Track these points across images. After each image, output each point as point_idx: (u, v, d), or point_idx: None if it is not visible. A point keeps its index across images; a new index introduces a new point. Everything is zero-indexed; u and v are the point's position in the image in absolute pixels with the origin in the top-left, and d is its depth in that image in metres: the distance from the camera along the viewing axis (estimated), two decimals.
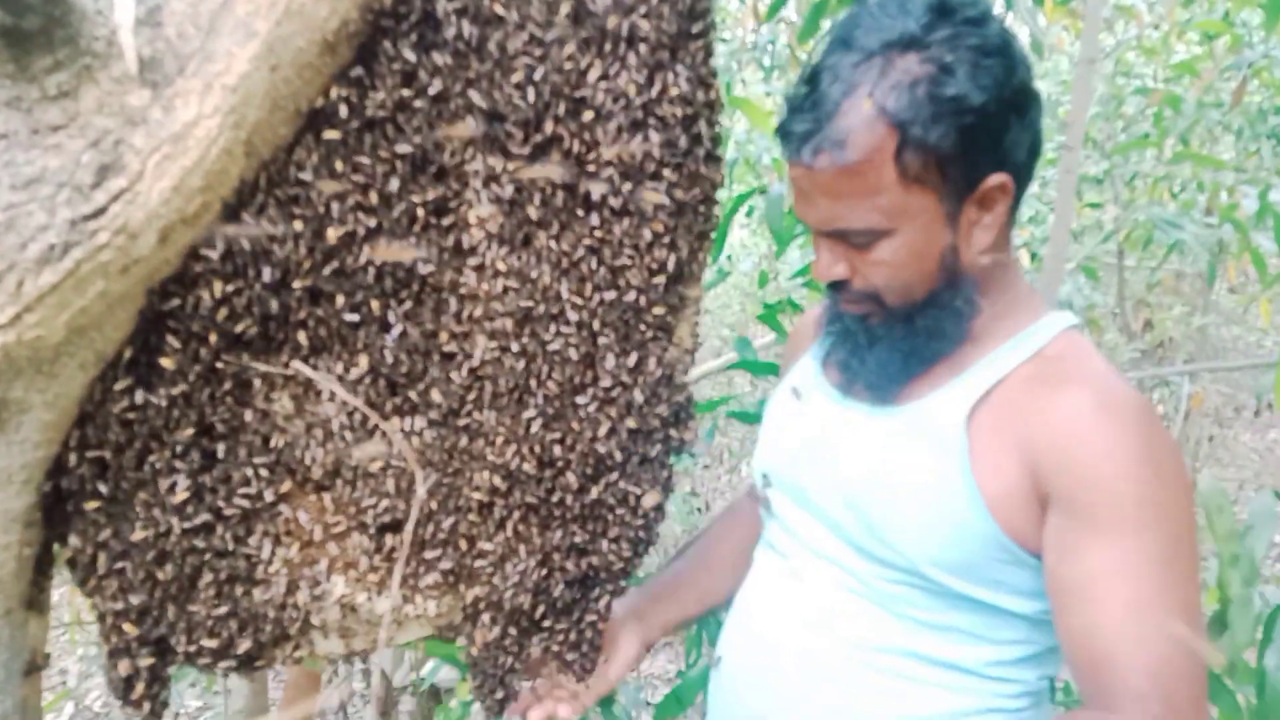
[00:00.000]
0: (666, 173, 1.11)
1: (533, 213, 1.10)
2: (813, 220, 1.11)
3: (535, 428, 1.15)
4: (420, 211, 1.07)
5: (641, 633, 1.36)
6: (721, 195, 1.25)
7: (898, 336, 1.14)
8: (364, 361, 1.10)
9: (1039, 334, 1.13)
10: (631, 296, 1.14)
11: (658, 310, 1.16)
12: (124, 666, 1.07)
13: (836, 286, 1.15)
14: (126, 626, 1.05)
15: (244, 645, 1.10)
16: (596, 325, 1.15)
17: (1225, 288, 4.99)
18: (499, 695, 1.24)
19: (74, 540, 1.03)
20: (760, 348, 2.41)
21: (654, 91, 1.09)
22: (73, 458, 1.01)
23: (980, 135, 1.03)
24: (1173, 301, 4.62)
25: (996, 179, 1.06)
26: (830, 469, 1.20)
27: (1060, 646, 1.05)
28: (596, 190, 1.10)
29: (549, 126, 1.08)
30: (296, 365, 1.02)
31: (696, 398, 1.26)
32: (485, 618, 1.18)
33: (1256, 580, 1.34)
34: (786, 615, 1.23)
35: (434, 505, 1.14)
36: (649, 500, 1.21)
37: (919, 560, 1.09)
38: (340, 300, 1.07)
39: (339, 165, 1.04)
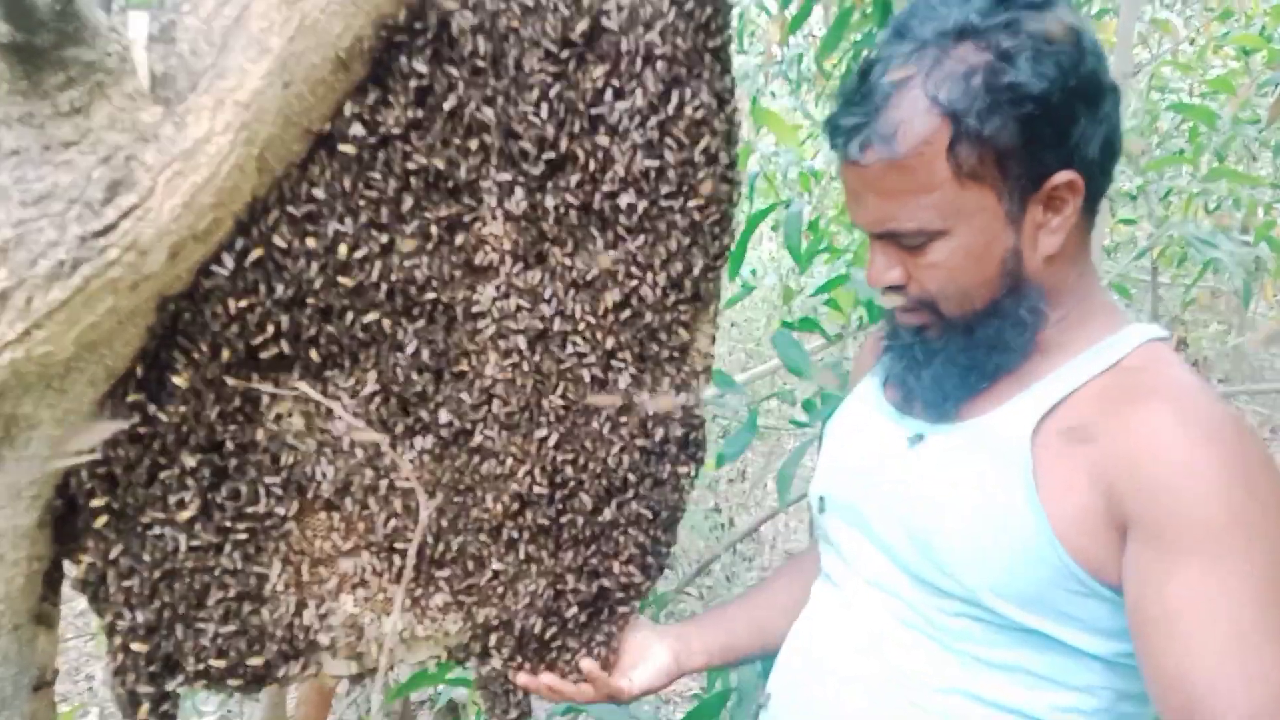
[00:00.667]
0: (682, 190, 1.10)
1: (546, 230, 1.09)
2: (863, 221, 1.04)
3: (547, 448, 1.13)
4: (434, 229, 1.06)
5: (678, 651, 1.28)
6: (744, 209, 1.23)
7: (956, 350, 1.06)
8: (374, 379, 1.09)
9: (1117, 346, 1.03)
10: (646, 314, 1.13)
11: (672, 328, 1.15)
12: (130, 684, 1.06)
13: (892, 293, 1.08)
14: (134, 644, 1.05)
15: (252, 664, 1.09)
16: (610, 344, 1.14)
17: (1263, 306, 4.91)
18: (512, 715, 1.23)
19: (83, 556, 1.03)
20: (779, 366, 2.38)
21: (670, 109, 1.07)
22: (83, 473, 1.00)
23: (1043, 127, 0.96)
24: (1208, 320, 4.55)
25: (1064, 176, 0.98)
26: (887, 492, 1.11)
27: (1148, 691, 0.94)
28: (610, 208, 1.09)
29: (564, 144, 1.07)
30: (301, 386, 1.02)
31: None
32: (495, 638, 1.17)
33: None
34: (837, 646, 1.14)
35: (444, 525, 1.13)
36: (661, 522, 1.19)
37: (978, 589, 1.00)
38: (351, 317, 1.06)
39: (352, 182, 1.03)
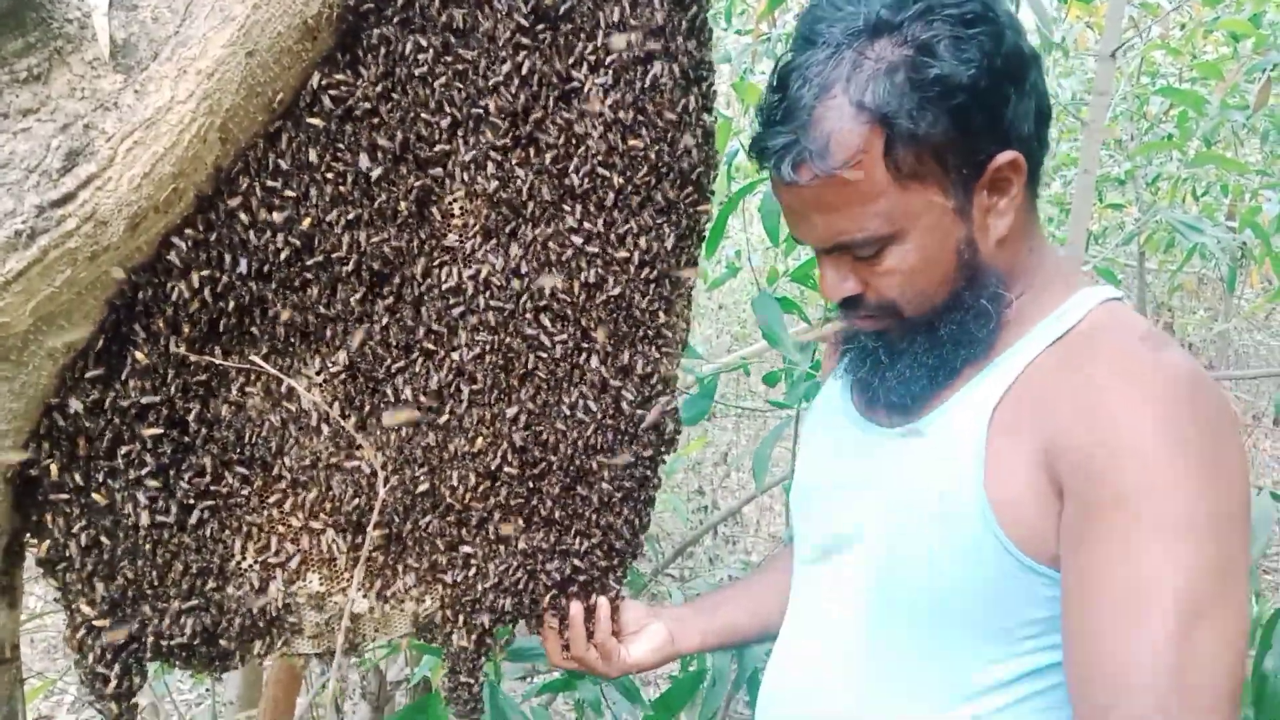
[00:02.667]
0: (657, 166, 1.09)
1: (518, 206, 1.08)
2: (810, 239, 1.01)
3: (517, 427, 1.12)
4: (402, 204, 1.05)
5: (674, 630, 1.27)
6: (726, 189, 1.21)
7: (922, 349, 1.03)
8: (342, 357, 1.07)
9: (1068, 315, 1.00)
10: (618, 291, 1.11)
11: (645, 306, 1.13)
12: (93, 661, 1.05)
13: (849, 304, 1.04)
14: (96, 620, 1.04)
15: (215, 642, 1.08)
16: (583, 321, 1.12)
17: (1249, 293, 4.92)
18: (466, 703, 1.21)
19: (43, 531, 1.02)
20: (759, 353, 2.37)
21: (644, 82, 1.06)
22: (43, 447, 0.99)
23: (976, 114, 0.93)
24: (1194, 306, 4.55)
25: (1005, 157, 0.96)
26: (850, 497, 1.10)
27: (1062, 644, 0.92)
28: (583, 184, 1.07)
29: (536, 118, 1.06)
30: (257, 361, 1.00)
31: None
32: (464, 618, 1.16)
33: (1252, 580, 1.29)
34: (811, 655, 1.13)
35: (412, 504, 1.12)
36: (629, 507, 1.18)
37: (942, 589, 0.98)
38: (317, 293, 1.05)
39: (319, 154, 1.01)
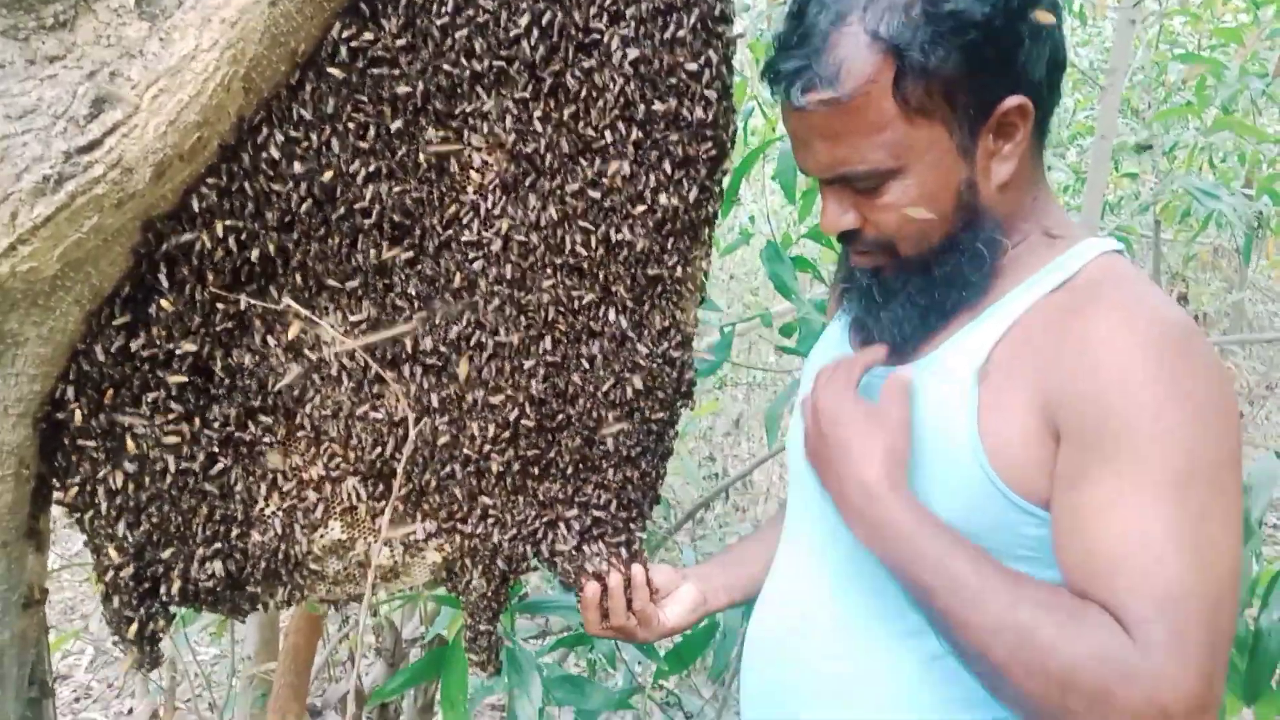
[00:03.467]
0: (676, 119, 1.09)
1: (537, 160, 1.09)
2: (813, 168, 1.02)
3: (536, 379, 1.13)
4: (422, 156, 1.06)
5: (704, 590, 1.28)
6: (740, 149, 1.21)
7: (915, 290, 1.04)
8: (364, 309, 1.08)
9: (1069, 263, 1.01)
10: (637, 245, 1.12)
11: (664, 260, 1.14)
12: (119, 604, 1.07)
13: (847, 238, 1.06)
14: (121, 563, 1.06)
15: (239, 586, 1.10)
16: (602, 275, 1.13)
17: (1263, 265, 4.89)
18: (483, 651, 1.23)
19: (70, 476, 1.03)
20: (778, 314, 2.37)
21: (664, 35, 1.06)
22: (70, 392, 1.00)
23: (988, 54, 0.94)
24: (1210, 278, 4.53)
25: (1013, 102, 0.96)
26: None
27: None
28: (601, 135, 1.08)
29: (556, 70, 1.06)
30: (289, 303, 1.01)
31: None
32: (483, 567, 1.18)
33: (1254, 540, 1.31)
34: (799, 591, 1.15)
35: (432, 454, 1.13)
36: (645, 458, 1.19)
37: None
38: (338, 243, 1.06)
39: (340, 105, 1.02)
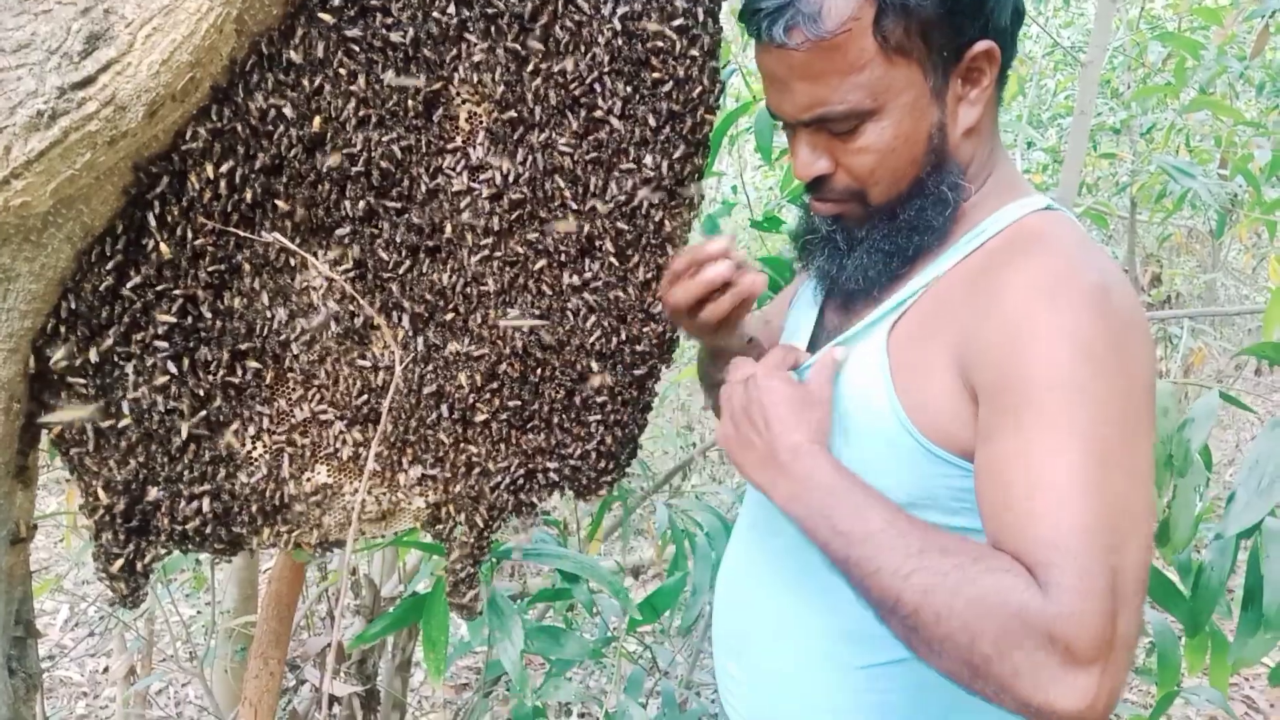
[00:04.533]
0: (662, 73, 1.11)
1: (525, 111, 1.10)
2: (790, 109, 1.01)
3: (521, 330, 1.15)
4: (410, 103, 1.07)
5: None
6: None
7: (879, 235, 1.04)
8: (350, 256, 1.10)
9: (999, 220, 1.03)
10: (623, 198, 1.14)
11: (650, 215, 1.16)
12: (107, 541, 1.08)
13: (816, 185, 1.05)
14: (109, 500, 1.07)
15: (226, 526, 1.12)
16: (587, 228, 1.15)
17: (1236, 247, 4.96)
18: (468, 597, 1.25)
19: (59, 413, 1.04)
20: None
21: None
22: (61, 330, 1.01)
23: None
24: (1184, 260, 4.59)
25: (982, 45, 0.97)
26: None
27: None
28: (589, 89, 1.09)
29: (544, 22, 1.08)
30: (276, 237, 1.03)
31: None
32: (465, 514, 1.20)
33: (1188, 471, 1.35)
34: (762, 552, 1.18)
35: (417, 401, 1.15)
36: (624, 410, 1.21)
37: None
38: (327, 189, 1.07)
39: (330, 50, 1.03)
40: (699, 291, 1.09)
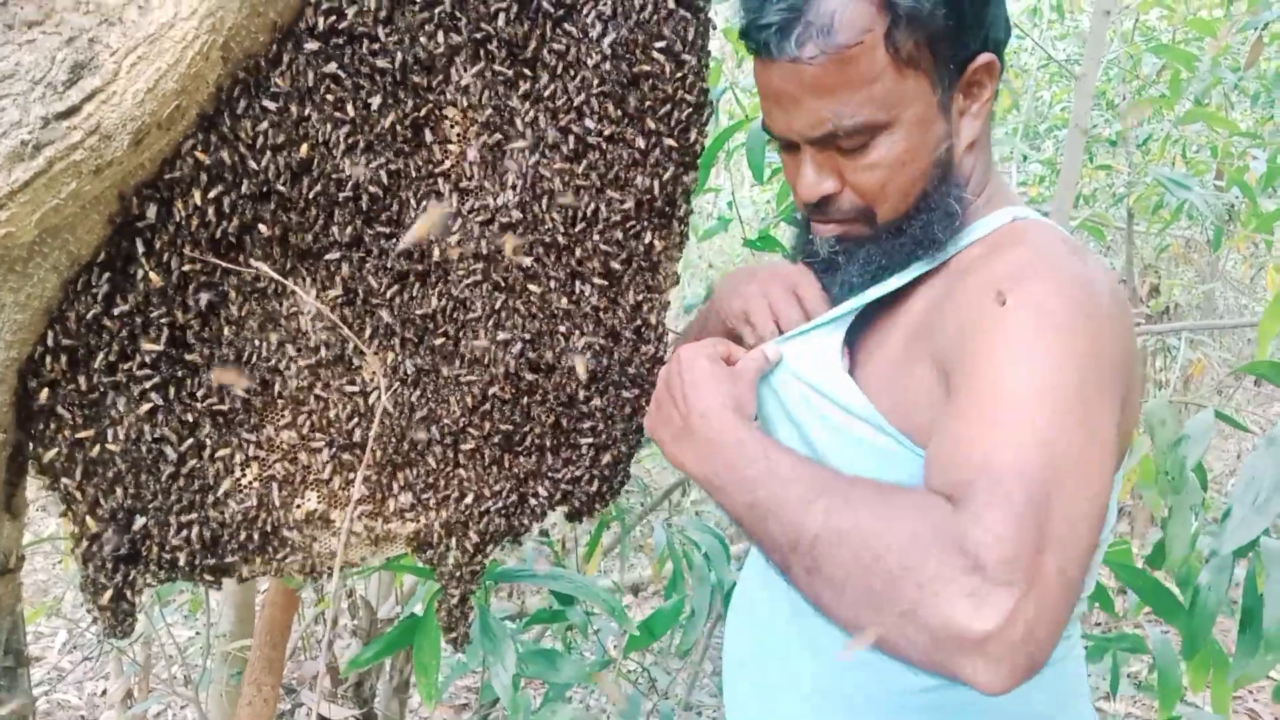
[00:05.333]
0: (650, 95, 1.10)
1: (513, 134, 1.10)
2: (799, 127, 0.99)
3: (510, 353, 1.14)
4: (398, 128, 1.06)
5: None
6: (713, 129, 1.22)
7: (878, 252, 1.02)
8: (338, 282, 1.09)
9: (985, 226, 1.02)
10: (614, 220, 1.13)
11: (640, 237, 1.15)
12: (94, 571, 1.07)
13: (820, 206, 1.03)
14: (97, 529, 1.06)
15: (215, 555, 1.11)
16: (578, 251, 1.14)
17: (1235, 257, 4.96)
18: (457, 627, 1.24)
19: (46, 441, 1.04)
20: None
21: (640, 13, 1.07)
22: (47, 360, 1.01)
23: (967, 7, 0.94)
24: (1183, 270, 4.58)
25: (985, 58, 0.97)
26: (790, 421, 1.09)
27: None
28: (578, 111, 1.09)
29: (532, 46, 1.07)
30: (262, 268, 1.02)
31: None
32: (456, 539, 1.19)
33: (1183, 488, 1.34)
34: (751, 581, 1.18)
35: (406, 425, 1.14)
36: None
37: None
38: (314, 215, 1.06)
39: (318, 77, 1.03)
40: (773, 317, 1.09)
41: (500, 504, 1.19)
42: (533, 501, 1.21)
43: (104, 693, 3.26)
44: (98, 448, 1.04)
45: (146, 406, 1.04)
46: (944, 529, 0.75)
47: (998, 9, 0.98)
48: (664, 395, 1.04)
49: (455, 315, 1.13)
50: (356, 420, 1.12)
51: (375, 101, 1.05)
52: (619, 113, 1.11)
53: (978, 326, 0.87)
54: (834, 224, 1.05)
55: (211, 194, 1.01)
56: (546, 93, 1.09)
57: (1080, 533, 0.78)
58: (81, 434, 1.03)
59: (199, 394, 1.07)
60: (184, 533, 1.08)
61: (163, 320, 1.03)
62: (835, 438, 1.00)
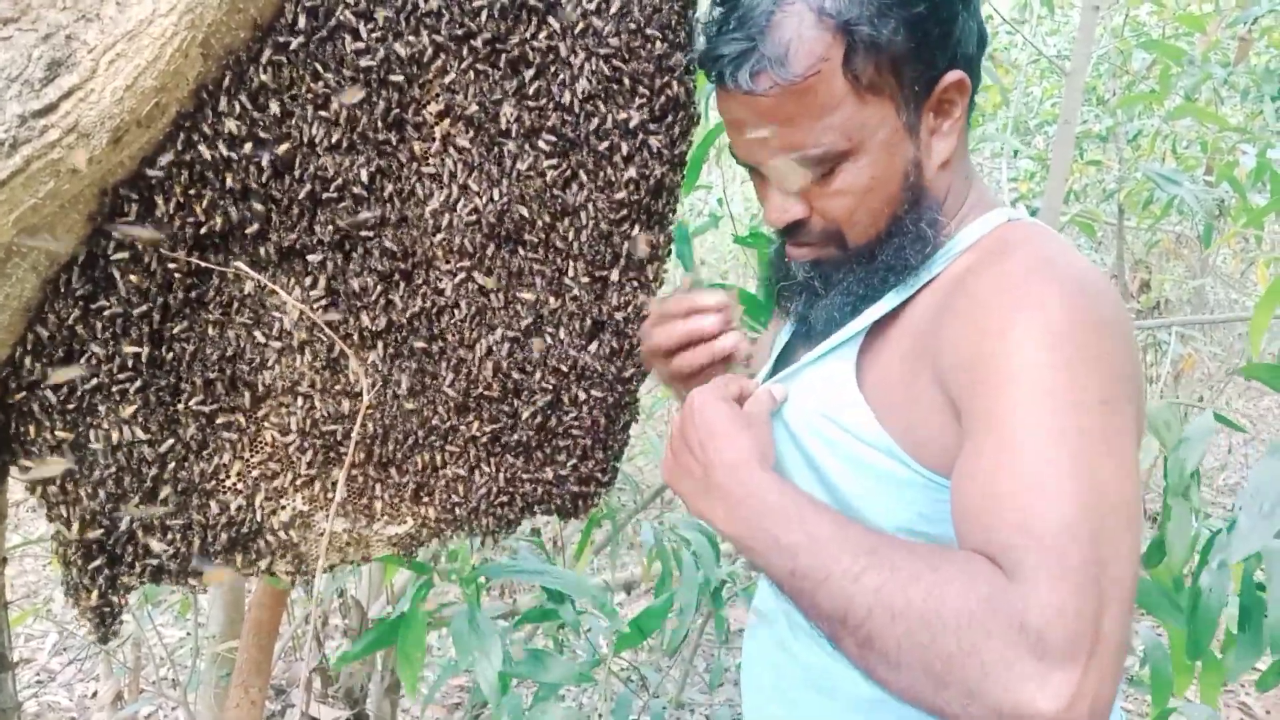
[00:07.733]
0: (637, 93, 1.09)
1: (498, 133, 1.09)
2: (761, 156, 0.98)
3: (498, 353, 1.14)
4: (381, 125, 1.05)
5: None
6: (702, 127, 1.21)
7: (854, 280, 1.00)
8: (323, 282, 1.08)
9: (969, 235, 1.00)
10: (602, 219, 1.12)
11: (628, 234, 1.14)
12: (77, 574, 1.07)
13: (791, 231, 1.02)
14: (79, 532, 1.05)
15: (200, 556, 1.10)
16: (564, 249, 1.13)
17: (1225, 252, 4.97)
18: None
19: (28, 444, 1.03)
20: None
21: (627, 11, 1.06)
22: (27, 360, 1.00)
23: (931, 28, 0.92)
24: (1173, 265, 4.59)
25: (953, 76, 0.95)
26: (783, 429, 1.08)
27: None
28: (564, 109, 1.08)
29: (516, 44, 1.06)
30: (240, 266, 1.01)
31: None
32: (439, 540, 1.18)
33: (1184, 490, 1.34)
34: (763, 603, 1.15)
35: (393, 426, 1.13)
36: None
37: (885, 527, 0.94)
38: (298, 214, 1.05)
39: (297, 74, 1.02)
40: (680, 338, 1.08)
41: (487, 504, 1.18)
42: (520, 501, 1.21)
43: (94, 695, 3.25)
44: (78, 447, 1.03)
45: (129, 409, 1.03)
46: (1001, 606, 0.73)
47: (968, 24, 0.96)
48: (679, 444, 1.00)
49: (441, 314, 1.12)
50: (340, 422, 1.11)
51: (358, 99, 1.04)
52: (605, 109, 1.10)
53: (985, 357, 0.85)
54: (806, 248, 1.03)
55: (191, 191, 1.00)
56: (531, 89, 1.09)
57: (1128, 573, 0.76)
58: (62, 435, 1.02)
59: (182, 395, 1.06)
60: (168, 535, 1.07)
61: (144, 320, 1.02)
62: (847, 466, 0.99)
